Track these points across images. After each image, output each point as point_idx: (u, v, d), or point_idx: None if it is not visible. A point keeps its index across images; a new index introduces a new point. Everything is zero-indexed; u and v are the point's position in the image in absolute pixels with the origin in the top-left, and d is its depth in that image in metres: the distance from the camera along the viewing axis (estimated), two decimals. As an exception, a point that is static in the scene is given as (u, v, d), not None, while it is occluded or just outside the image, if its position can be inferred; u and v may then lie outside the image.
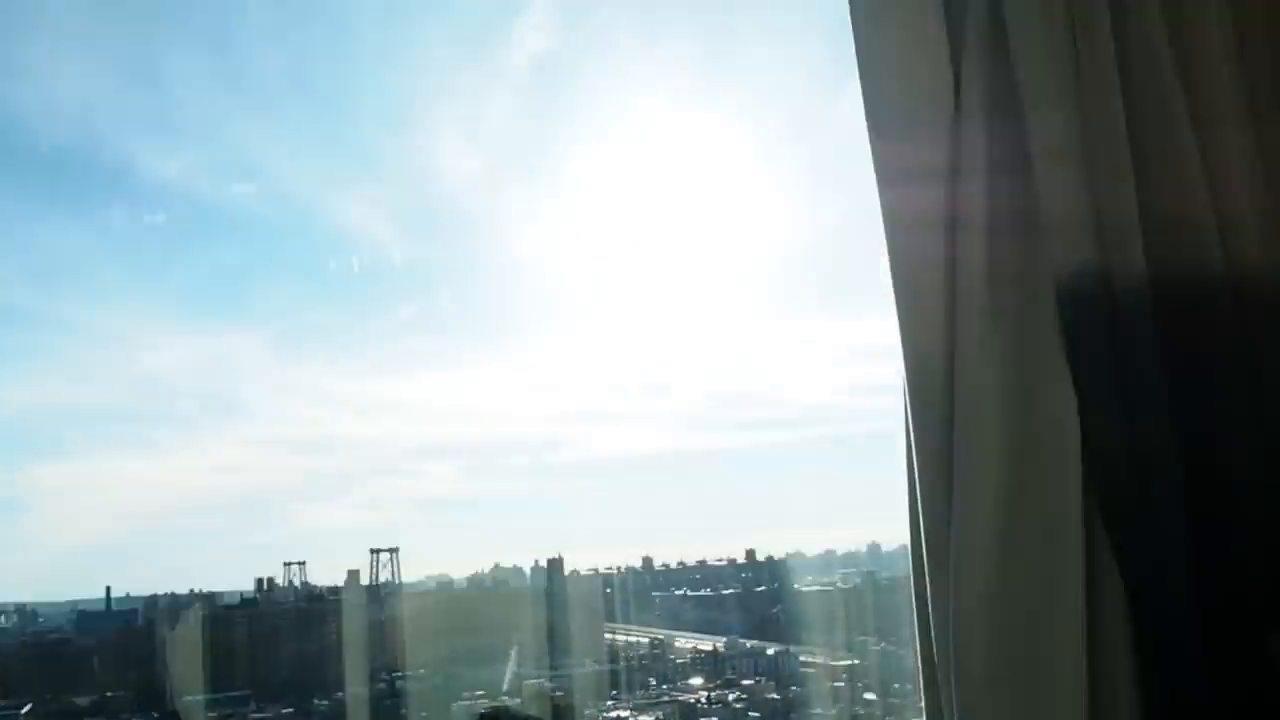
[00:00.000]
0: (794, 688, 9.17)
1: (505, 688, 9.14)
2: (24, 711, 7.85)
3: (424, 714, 9.16)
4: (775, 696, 9.07)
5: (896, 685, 8.84)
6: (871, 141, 1.94)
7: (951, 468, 1.83)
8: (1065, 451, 1.78)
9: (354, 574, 9.04)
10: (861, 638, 9.29)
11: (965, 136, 1.88)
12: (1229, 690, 1.74)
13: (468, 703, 9.24)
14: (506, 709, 8.56)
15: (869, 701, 8.79)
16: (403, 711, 8.92)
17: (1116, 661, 1.76)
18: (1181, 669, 1.74)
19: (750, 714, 8.97)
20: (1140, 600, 1.77)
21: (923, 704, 1.97)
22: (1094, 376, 1.79)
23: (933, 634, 1.86)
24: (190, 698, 7.85)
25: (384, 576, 9.01)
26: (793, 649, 9.32)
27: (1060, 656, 1.74)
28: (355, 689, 8.22)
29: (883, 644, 9.40)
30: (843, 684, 9.10)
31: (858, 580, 9.47)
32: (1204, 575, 1.76)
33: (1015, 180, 1.85)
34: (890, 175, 1.93)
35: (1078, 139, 1.85)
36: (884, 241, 1.92)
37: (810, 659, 9.41)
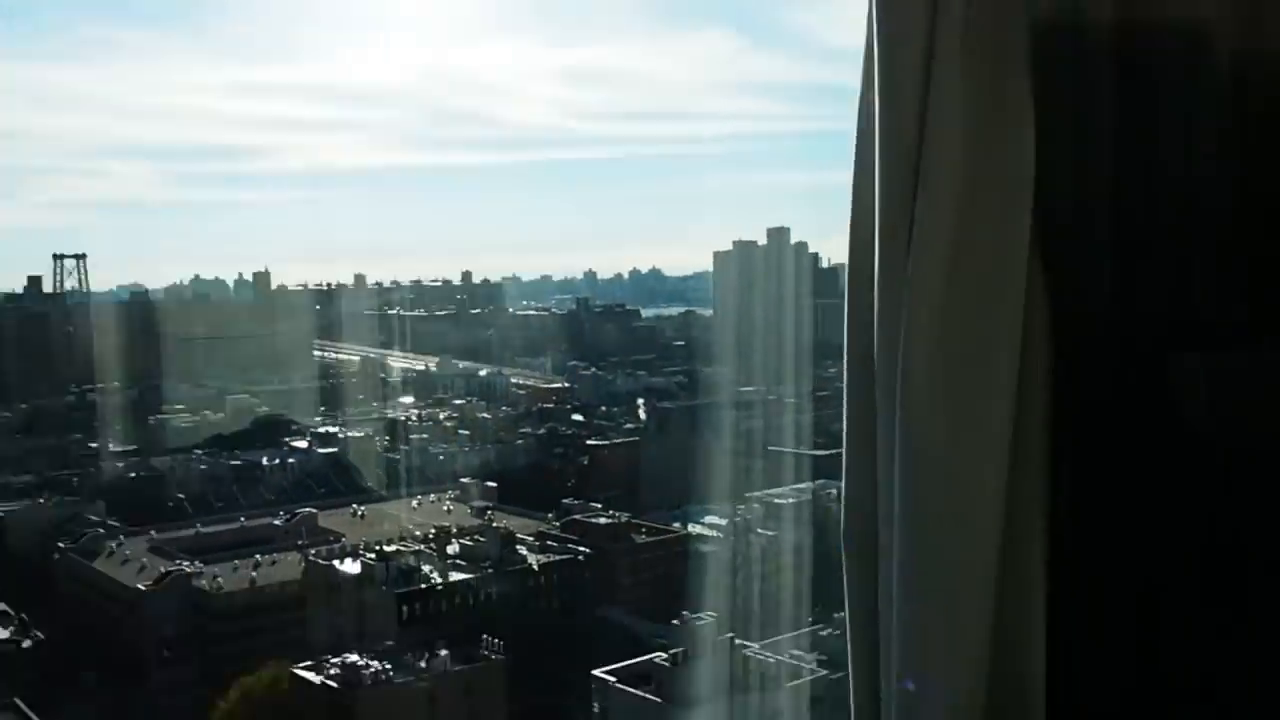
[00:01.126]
0: (505, 408, 9.44)
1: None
2: None
3: (118, 426, 8.83)
4: (486, 416, 9.33)
5: (604, 408, 9.26)
6: None
7: (913, 207, 1.92)
8: (1020, 181, 1.91)
9: (35, 280, 8.46)
10: (573, 362, 9.63)
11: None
12: (1132, 402, 1.98)
13: (166, 416, 8.94)
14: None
15: (578, 422, 9.22)
16: (95, 424, 8.52)
17: (1040, 364, 1.96)
18: (1094, 382, 1.96)
19: (460, 432, 9.22)
20: (1062, 323, 1.96)
21: (844, 423, 2.11)
22: (1054, 115, 1.91)
23: (874, 355, 1.99)
24: None
25: (70, 284, 8.46)
26: (505, 371, 9.54)
27: (997, 372, 1.92)
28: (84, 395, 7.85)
29: (593, 369, 9.79)
30: (552, 405, 9.46)
31: (573, 306, 9.73)
32: (1121, 297, 1.96)
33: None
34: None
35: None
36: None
37: (523, 381, 9.69)
